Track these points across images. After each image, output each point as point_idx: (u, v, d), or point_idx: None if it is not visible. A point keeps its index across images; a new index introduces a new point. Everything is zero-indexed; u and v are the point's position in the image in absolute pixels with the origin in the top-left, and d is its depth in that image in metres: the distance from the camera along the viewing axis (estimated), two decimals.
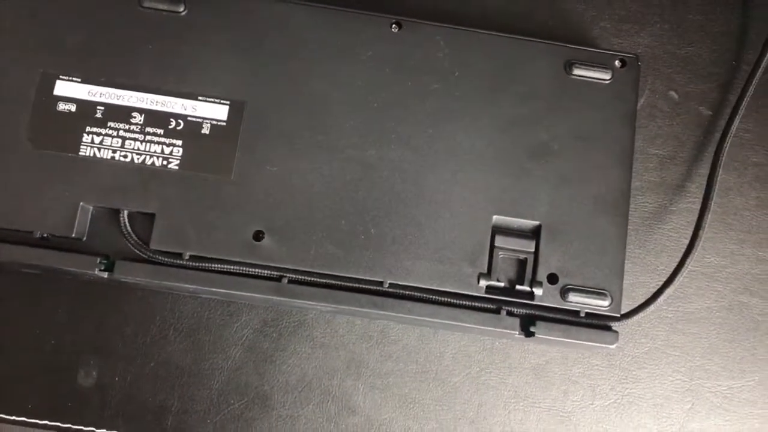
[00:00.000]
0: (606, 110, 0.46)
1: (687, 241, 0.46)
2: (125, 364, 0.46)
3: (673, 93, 0.52)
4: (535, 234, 0.44)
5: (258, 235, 0.42)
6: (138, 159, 0.44)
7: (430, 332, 0.47)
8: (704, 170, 0.50)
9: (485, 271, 0.43)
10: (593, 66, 0.46)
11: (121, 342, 0.47)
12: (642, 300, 0.46)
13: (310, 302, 0.43)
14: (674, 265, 0.46)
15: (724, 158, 0.47)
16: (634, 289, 0.49)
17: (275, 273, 0.43)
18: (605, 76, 0.46)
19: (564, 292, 0.43)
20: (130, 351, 0.47)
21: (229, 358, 0.46)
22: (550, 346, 0.48)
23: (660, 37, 0.53)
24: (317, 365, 0.47)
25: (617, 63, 0.47)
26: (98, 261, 0.42)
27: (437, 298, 0.43)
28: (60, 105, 0.44)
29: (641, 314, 0.45)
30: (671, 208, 0.51)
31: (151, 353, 0.47)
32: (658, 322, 0.49)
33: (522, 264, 0.43)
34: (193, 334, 0.47)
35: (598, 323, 0.44)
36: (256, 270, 0.43)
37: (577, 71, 0.46)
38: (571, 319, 0.43)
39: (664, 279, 0.46)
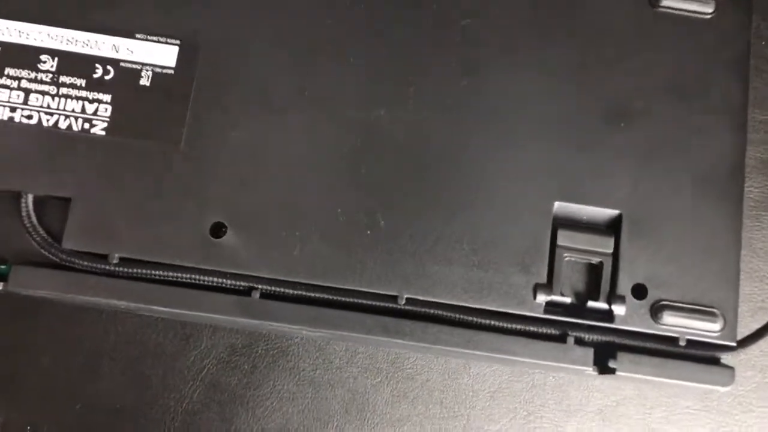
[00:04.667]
0: (707, 55, 0.37)
1: None
2: (40, 406, 0.40)
3: None
4: (613, 228, 0.35)
5: (218, 230, 0.34)
6: (48, 121, 0.35)
7: (459, 363, 0.41)
8: None
9: (544, 280, 0.34)
10: None
11: (36, 376, 0.40)
12: (757, 319, 0.41)
13: (292, 325, 0.34)
14: None
15: None
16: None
17: (242, 283, 0.34)
18: (706, 8, 0.37)
19: (656, 311, 0.34)
20: (48, 388, 0.40)
21: (185, 399, 0.40)
22: (625, 383, 0.41)
23: None
24: (305, 408, 0.41)
25: None
26: None
27: (475, 319, 0.34)
28: None
29: (762, 341, 0.36)
30: None
31: (77, 391, 0.40)
32: None
33: (596, 271, 0.35)
34: (135, 366, 0.40)
35: (704, 354, 0.35)
36: (215, 279, 0.34)
37: (666, 2, 0.37)
38: (667, 350, 0.35)
39: None
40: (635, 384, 0.40)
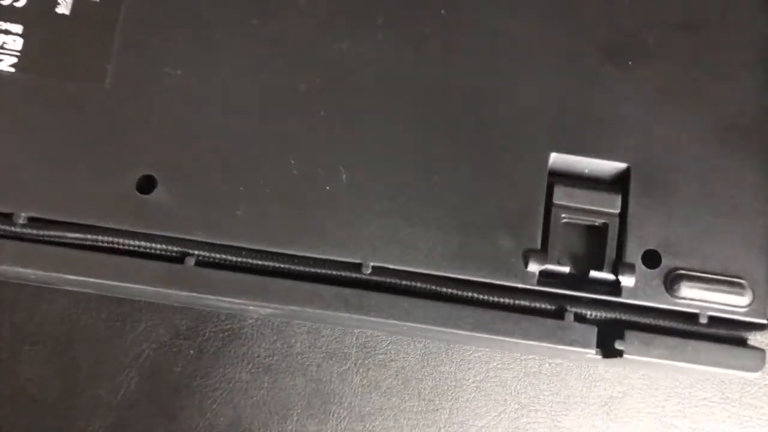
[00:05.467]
0: None
1: None
2: None
3: None
4: (620, 184, 0.33)
5: (146, 184, 0.31)
6: None
7: (440, 348, 0.40)
8: None
9: (537, 246, 0.32)
10: None
11: None
12: None
13: (233, 299, 0.31)
14: None
15: None
16: None
17: (174, 248, 0.31)
18: None
19: (671, 282, 0.32)
20: None
21: (120, 389, 0.39)
22: (633, 370, 0.39)
23: None
24: (260, 400, 0.39)
25: None
26: None
27: (455, 292, 0.32)
28: None
29: None
30: None
31: None
32: None
33: (599, 234, 0.33)
34: (62, 351, 0.38)
35: (729, 334, 0.32)
36: (142, 243, 0.31)
37: None
38: (684, 328, 0.32)
39: None
40: (645, 371, 0.39)
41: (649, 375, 0.39)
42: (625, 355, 0.31)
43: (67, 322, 0.38)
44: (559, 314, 0.32)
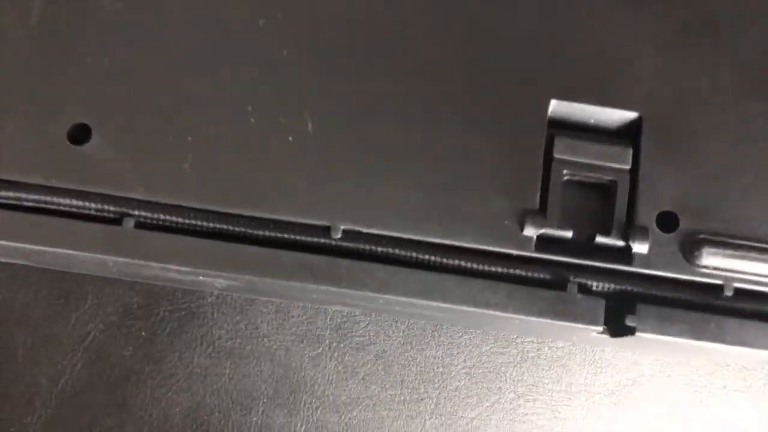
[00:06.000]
0: None
1: None
2: None
3: None
4: (630, 136, 0.31)
5: (79, 133, 0.29)
6: None
7: (426, 329, 0.38)
8: None
9: (536, 207, 0.30)
10: None
11: None
12: None
13: (181, 267, 0.29)
14: None
15: None
16: None
17: (111, 208, 0.29)
18: None
19: (691, 248, 0.29)
20: None
21: (62, 376, 0.37)
22: (646, 352, 0.37)
23: None
24: (221, 388, 0.37)
25: None
26: None
27: (439, 260, 0.30)
28: None
29: None
30: None
31: None
32: None
33: (607, 194, 0.31)
34: None
35: (756, 309, 0.30)
36: (74, 201, 0.29)
37: None
38: (706, 302, 0.30)
39: None
40: (658, 354, 0.37)
41: (661, 360, 0.38)
42: (637, 333, 0.29)
43: (1, 300, 0.36)
44: (560, 285, 0.29)
